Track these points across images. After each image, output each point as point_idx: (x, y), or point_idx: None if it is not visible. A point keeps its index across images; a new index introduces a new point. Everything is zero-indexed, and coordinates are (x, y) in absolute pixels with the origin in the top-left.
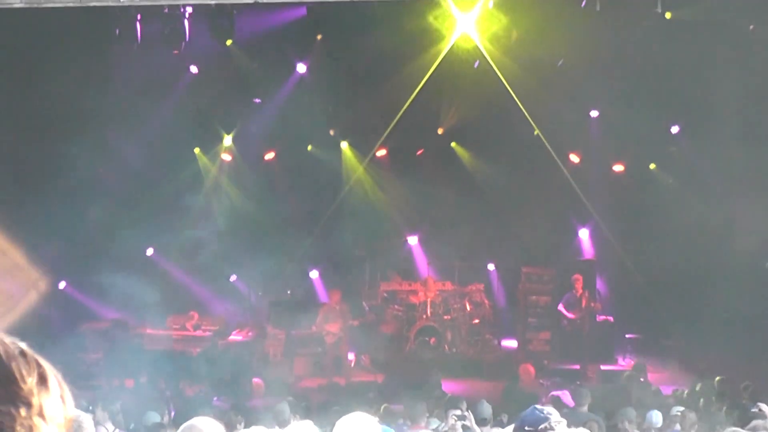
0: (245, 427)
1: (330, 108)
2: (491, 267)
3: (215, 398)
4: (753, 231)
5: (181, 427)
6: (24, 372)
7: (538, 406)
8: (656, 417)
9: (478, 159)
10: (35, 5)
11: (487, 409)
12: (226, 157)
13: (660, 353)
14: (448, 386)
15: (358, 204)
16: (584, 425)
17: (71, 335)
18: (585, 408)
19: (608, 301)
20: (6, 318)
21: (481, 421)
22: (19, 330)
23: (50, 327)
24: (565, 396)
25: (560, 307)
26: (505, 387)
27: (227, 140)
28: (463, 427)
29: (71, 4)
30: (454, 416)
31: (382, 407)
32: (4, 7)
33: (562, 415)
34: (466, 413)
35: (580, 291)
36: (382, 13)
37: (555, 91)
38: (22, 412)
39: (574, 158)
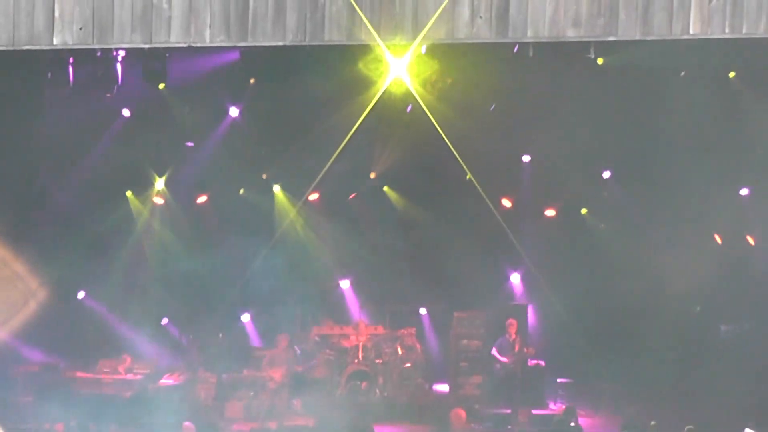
0: None
1: (262, 151)
2: (423, 311)
3: None
4: (684, 275)
5: None
6: None
7: None
8: None
9: (410, 203)
10: None
11: None
12: (158, 200)
13: (591, 397)
14: (380, 431)
15: (291, 247)
16: None
17: (1, 378)
18: None
19: (540, 345)
20: (6, 326)
21: None
22: None
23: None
24: None
25: (493, 351)
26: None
27: (159, 183)
28: None
29: (2, 48)
30: None
31: None
32: None
33: None
34: None
35: (514, 335)
36: (315, 58)
37: (487, 136)
38: None
39: (506, 202)
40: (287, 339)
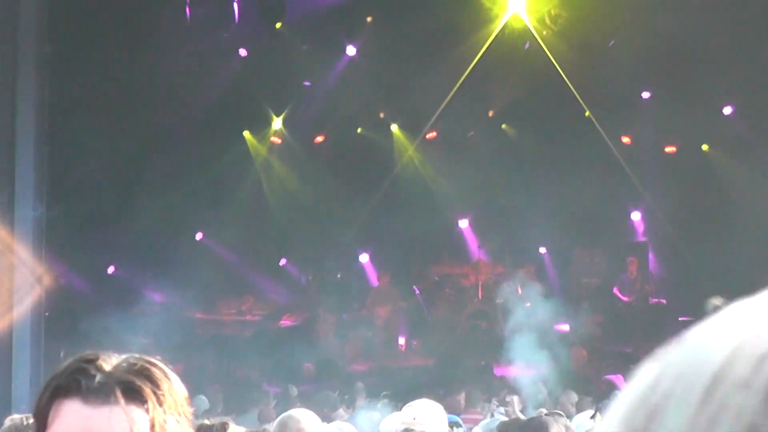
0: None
1: (380, 90)
2: (543, 250)
3: (265, 383)
4: None
5: (279, 419)
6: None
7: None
8: None
9: (528, 141)
10: None
11: (542, 391)
12: (276, 140)
13: None
14: (500, 371)
15: (409, 187)
16: None
17: (121, 319)
18: None
19: (661, 283)
20: (9, 314)
21: (536, 403)
22: (68, 313)
23: (99, 311)
24: (619, 380)
25: (615, 290)
26: (558, 370)
27: (277, 123)
28: (506, 413)
29: None
30: (495, 402)
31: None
32: None
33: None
34: (507, 399)
35: (635, 273)
36: None
37: (606, 72)
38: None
39: (625, 140)
40: (388, 277)
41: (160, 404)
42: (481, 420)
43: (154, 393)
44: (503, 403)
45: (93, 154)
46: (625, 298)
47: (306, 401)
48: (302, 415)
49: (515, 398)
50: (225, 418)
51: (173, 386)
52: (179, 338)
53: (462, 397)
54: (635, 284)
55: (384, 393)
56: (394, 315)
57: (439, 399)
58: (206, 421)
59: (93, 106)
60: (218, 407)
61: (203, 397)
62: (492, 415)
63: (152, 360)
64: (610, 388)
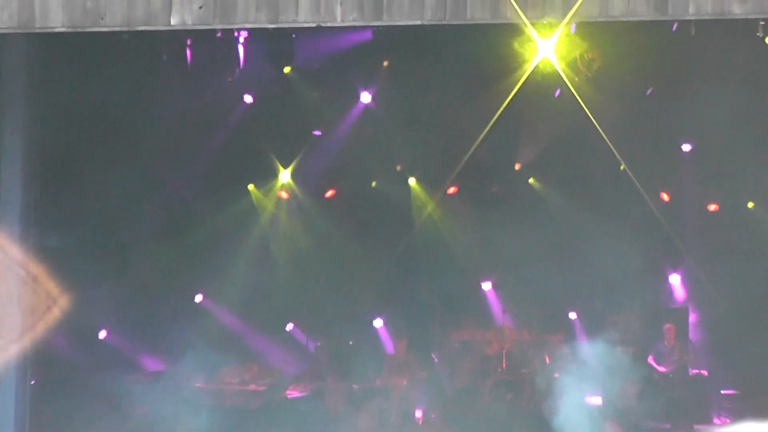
0: None
1: (397, 141)
2: (573, 315)
3: None
4: None
5: None
6: None
7: None
8: None
9: (558, 196)
10: (78, 29)
11: None
12: (283, 194)
13: (761, 411)
14: None
15: (428, 246)
16: None
17: (114, 389)
18: None
19: (702, 353)
20: (26, 336)
21: None
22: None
23: (90, 380)
24: None
25: (650, 359)
26: None
27: (284, 176)
28: None
29: (117, 28)
30: None
31: None
32: (45, 31)
33: None
34: None
35: (672, 342)
36: (454, 38)
37: (643, 123)
38: None
39: (664, 196)
40: (405, 343)
41: None
42: None
43: None
44: None
45: (84, 205)
46: (661, 369)
47: None
48: None
49: None
50: None
51: None
52: (178, 409)
53: None
54: (673, 353)
55: None
56: (412, 385)
57: None
58: None
59: (86, 153)
60: None
61: None
62: None
63: None
64: None
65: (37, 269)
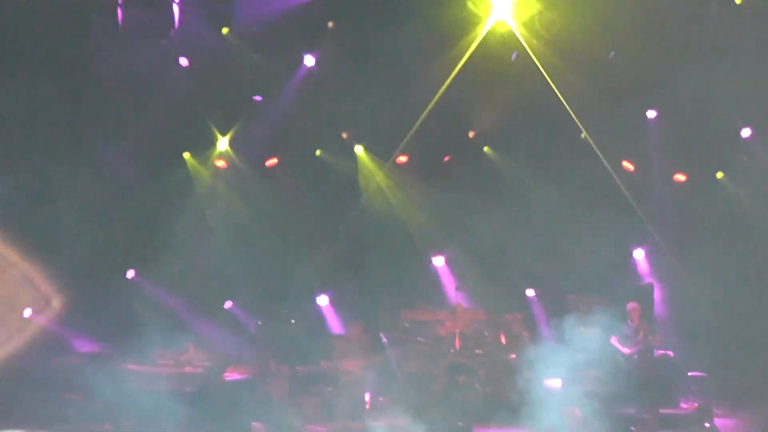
0: None
1: (343, 107)
2: (531, 293)
3: None
4: None
5: None
6: None
7: None
8: None
9: (515, 167)
10: None
11: None
12: (221, 163)
13: (729, 394)
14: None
15: (376, 218)
16: None
17: (42, 371)
18: None
19: (668, 333)
20: (20, 336)
21: None
22: None
23: (17, 360)
24: None
25: (613, 340)
26: None
27: (222, 144)
28: None
29: None
30: None
31: None
32: None
33: None
34: None
35: (636, 321)
36: None
37: (606, 88)
38: None
39: (628, 166)
40: (360, 327)
41: None
42: None
43: None
44: None
45: (4, 176)
46: (625, 350)
47: None
48: None
49: None
50: None
51: None
52: (108, 393)
53: None
54: (638, 334)
55: None
56: (359, 368)
57: None
58: None
59: (10, 120)
60: None
61: None
62: None
63: None
64: None
65: (31, 270)
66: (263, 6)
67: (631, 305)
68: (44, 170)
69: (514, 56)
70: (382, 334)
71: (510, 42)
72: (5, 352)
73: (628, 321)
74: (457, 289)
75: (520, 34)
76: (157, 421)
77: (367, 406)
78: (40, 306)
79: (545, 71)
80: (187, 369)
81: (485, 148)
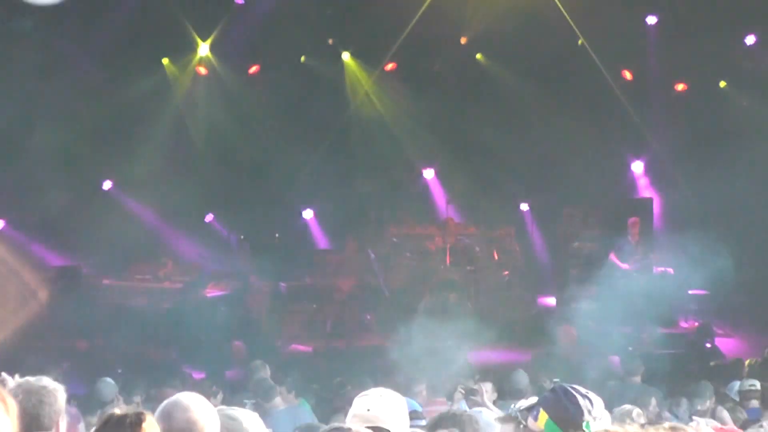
0: (223, 402)
1: (328, 11)
2: (524, 207)
3: (186, 365)
4: None
5: (162, 407)
6: None
7: (573, 389)
8: (732, 390)
9: (509, 75)
10: None
11: (522, 378)
12: (202, 70)
13: (730, 313)
14: (472, 352)
15: (363, 128)
16: (636, 401)
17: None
18: (637, 379)
19: (668, 248)
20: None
21: (516, 393)
22: None
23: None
24: (614, 364)
25: (611, 256)
26: (537, 353)
27: (203, 49)
28: (471, 402)
29: None
30: (461, 391)
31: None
32: None
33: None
34: (475, 387)
35: (636, 237)
36: None
37: None
38: None
39: (627, 74)
40: (356, 243)
41: None
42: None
43: None
44: (471, 392)
45: None
46: (624, 266)
47: (235, 389)
48: (191, 401)
49: (487, 386)
50: (140, 408)
51: None
52: (82, 309)
53: (423, 387)
54: (637, 250)
55: (315, 386)
56: (345, 284)
57: (396, 387)
58: (117, 411)
59: None
60: (133, 394)
61: (110, 380)
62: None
63: None
64: (605, 373)
65: (17, 262)
66: None
67: (632, 220)
68: (13, 76)
69: None
70: (369, 250)
71: None
72: None
73: (628, 236)
74: (447, 202)
75: None
76: (133, 338)
77: (354, 325)
78: (26, 298)
79: None
80: (166, 284)
81: (477, 55)
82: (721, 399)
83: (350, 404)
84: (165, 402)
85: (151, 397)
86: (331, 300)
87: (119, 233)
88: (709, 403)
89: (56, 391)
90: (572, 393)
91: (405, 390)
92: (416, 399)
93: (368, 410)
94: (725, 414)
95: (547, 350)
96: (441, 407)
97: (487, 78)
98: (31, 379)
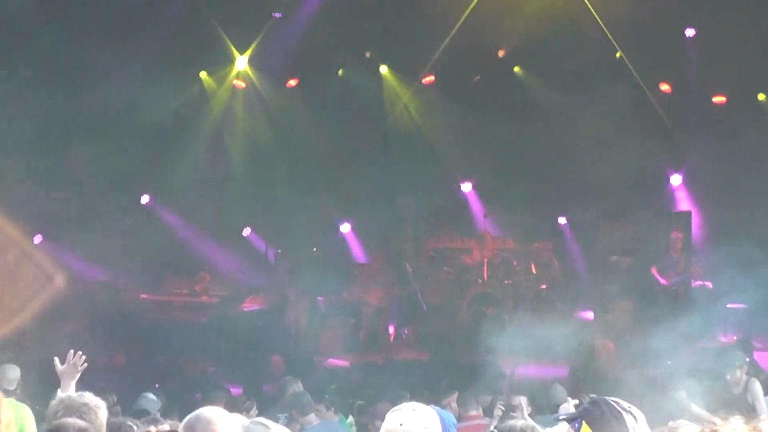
0: (257, 416)
1: (366, 24)
2: (562, 220)
3: (224, 380)
4: None
5: (186, 421)
6: None
7: (615, 402)
8: None
9: (546, 87)
10: None
11: (560, 393)
12: (240, 83)
13: None
14: (509, 367)
15: (401, 142)
16: (673, 415)
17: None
18: (677, 393)
19: (706, 262)
20: (20, 317)
21: (553, 407)
22: None
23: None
24: (653, 378)
25: (653, 271)
26: (574, 367)
27: (240, 62)
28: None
29: None
30: (501, 408)
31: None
32: None
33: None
34: (515, 404)
35: (678, 252)
36: None
37: (642, 4)
38: None
39: (665, 87)
40: (382, 256)
41: None
42: (478, 423)
43: None
44: (511, 408)
45: (14, 96)
46: (663, 281)
47: (272, 403)
48: (213, 414)
49: (523, 400)
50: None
51: None
52: (120, 323)
53: (453, 398)
54: (678, 264)
55: (359, 402)
56: (386, 303)
57: (433, 400)
58: (152, 429)
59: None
60: (171, 410)
61: (151, 397)
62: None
63: None
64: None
65: (33, 247)
66: None
67: (675, 234)
68: (50, 87)
69: None
70: (407, 264)
71: None
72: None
73: (670, 251)
74: (485, 216)
75: None
76: (170, 352)
77: (391, 339)
78: (42, 283)
79: None
80: (204, 298)
81: (515, 68)
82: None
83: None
84: (188, 416)
85: (188, 412)
86: (368, 314)
87: (157, 247)
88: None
89: (97, 408)
90: (615, 407)
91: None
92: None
93: (401, 425)
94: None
95: (584, 364)
96: (475, 422)
97: (525, 91)
98: (73, 395)
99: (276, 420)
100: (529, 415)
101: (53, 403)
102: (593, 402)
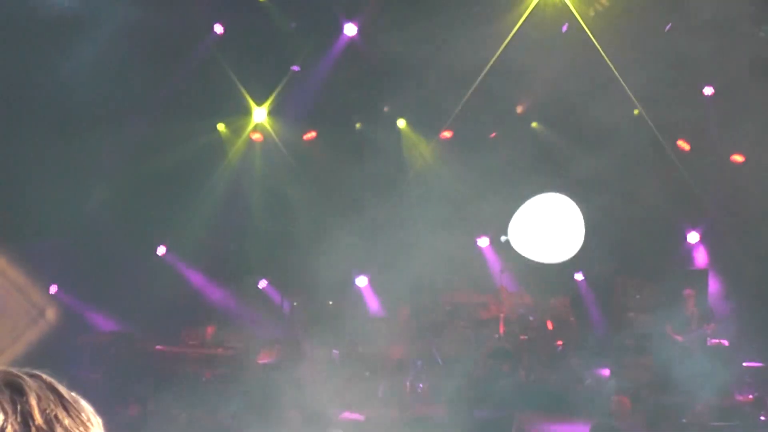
0: None
1: (384, 79)
2: (579, 277)
3: None
4: None
5: None
6: None
7: None
8: None
9: (564, 144)
10: None
11: None
12: (257, 135)
13: None
14: (525, 424)
15: (418, 196)
16: None
17: (64, 350)
18: None
19: (723, 320)
20: (11, 350)
21: None
22: None
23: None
24: None
25: (668, 329)
26: (596, 425)
27: (258, 115)
28: None
29: None
30: None
31: None
32: None
33: None
34: None
35: (692, 308)
36: None
37: (661, 62)
38: None
39: (684, 144)
40: (408, 310)
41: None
42: None
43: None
44: None
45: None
46: (679, 338)
47: None
48: None
49: None
50: None
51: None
52: (134, 375)
53: None
54: (692, 321)
55: None
56: (399, 353)
57: None
58: None
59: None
60: None
61: None
62: None
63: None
64: None
65: (24, 280)
66: None
67: (688, 291)
68: (65, 133)
69: (564, 28)
70: (421, 318)
71: (560, 12)
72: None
73: (684, 307)
74: (501, 271)
75: (571, 3)
76: (185, 404)
77: (407, 393)
78: (34, 317)
79: (597, 43)
80: (219, 350)
81: (533, 124)
82: None
83: None
84: None
85: None
86: (384, 368)
87: (172, 298)
88: None
89: None
90: None
91: None
92: None
93: None
94: None
95: (603, 421)
96: None
97: (543, 147)
98: None
99: None
100: None
101: None
102: None
